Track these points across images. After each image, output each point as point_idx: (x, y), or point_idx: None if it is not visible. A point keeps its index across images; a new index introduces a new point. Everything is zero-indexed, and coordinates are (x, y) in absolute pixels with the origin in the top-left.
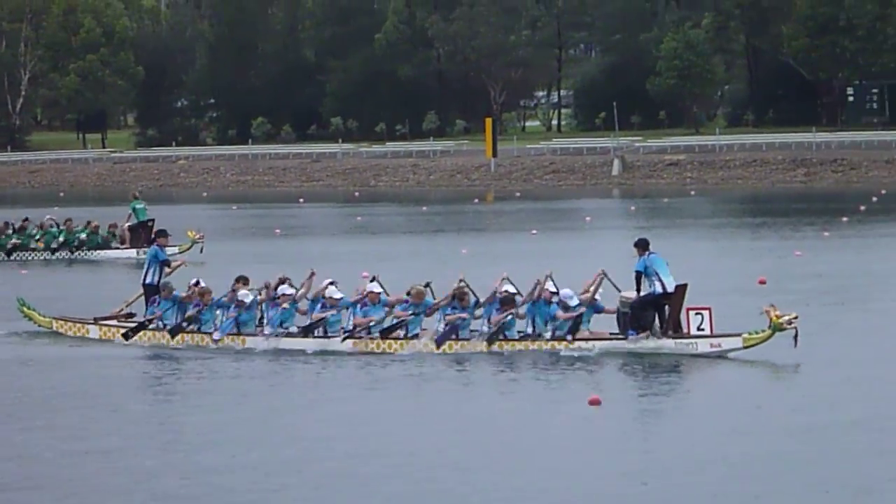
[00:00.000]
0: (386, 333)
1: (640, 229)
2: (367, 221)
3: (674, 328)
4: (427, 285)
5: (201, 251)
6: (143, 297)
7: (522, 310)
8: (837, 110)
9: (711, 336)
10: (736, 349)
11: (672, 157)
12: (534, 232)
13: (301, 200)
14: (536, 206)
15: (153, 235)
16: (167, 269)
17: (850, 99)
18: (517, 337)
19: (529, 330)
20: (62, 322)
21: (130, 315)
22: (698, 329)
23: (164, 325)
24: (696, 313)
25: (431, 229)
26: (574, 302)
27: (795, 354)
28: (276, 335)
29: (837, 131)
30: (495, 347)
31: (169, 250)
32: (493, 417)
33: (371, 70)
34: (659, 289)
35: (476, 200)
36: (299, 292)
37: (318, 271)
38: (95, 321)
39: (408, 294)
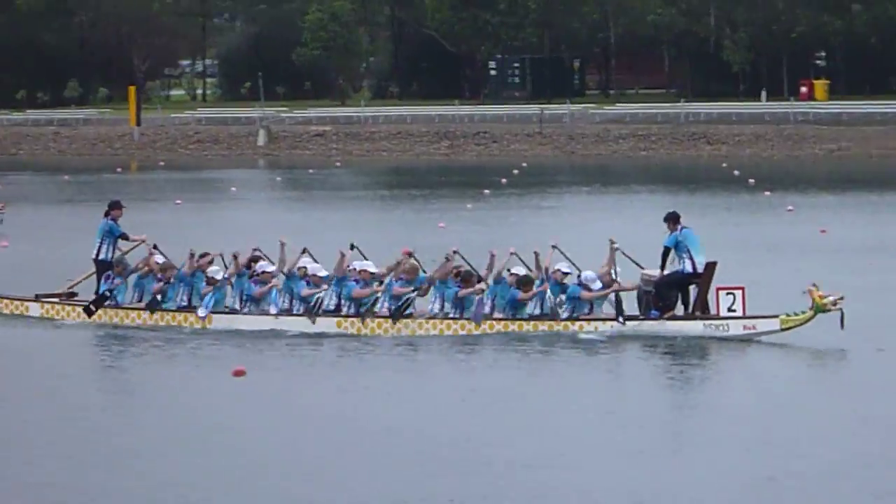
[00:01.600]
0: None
1: (285, 200)
2: (5, 190)
3: (702, 309)
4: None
5: (0, 222)
6: (94, 276)
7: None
8: (480, 84)
9: (744, 317)
10: (773, 331)
11: (317, 129)
12: (178, 202)
13: None
14: (181, 176)
15: (107, 208)
16: (124, 245)
17: (493, 72)
18: (526, 317)
19: (537, 311)
20: None
21: (73, 294)
22: (729, 310)
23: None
24: (728, 293)
25: (73, 198)
26: (597, 285)
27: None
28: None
29: (480, 104)
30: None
31: None
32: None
33: (11, 36)
34: (689, 268)
35: (119, 170)
36: (274, 268)
37: None
38: (37, 298)
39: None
